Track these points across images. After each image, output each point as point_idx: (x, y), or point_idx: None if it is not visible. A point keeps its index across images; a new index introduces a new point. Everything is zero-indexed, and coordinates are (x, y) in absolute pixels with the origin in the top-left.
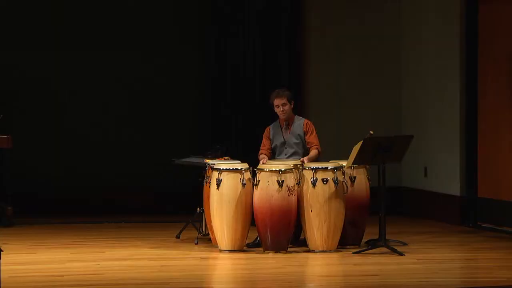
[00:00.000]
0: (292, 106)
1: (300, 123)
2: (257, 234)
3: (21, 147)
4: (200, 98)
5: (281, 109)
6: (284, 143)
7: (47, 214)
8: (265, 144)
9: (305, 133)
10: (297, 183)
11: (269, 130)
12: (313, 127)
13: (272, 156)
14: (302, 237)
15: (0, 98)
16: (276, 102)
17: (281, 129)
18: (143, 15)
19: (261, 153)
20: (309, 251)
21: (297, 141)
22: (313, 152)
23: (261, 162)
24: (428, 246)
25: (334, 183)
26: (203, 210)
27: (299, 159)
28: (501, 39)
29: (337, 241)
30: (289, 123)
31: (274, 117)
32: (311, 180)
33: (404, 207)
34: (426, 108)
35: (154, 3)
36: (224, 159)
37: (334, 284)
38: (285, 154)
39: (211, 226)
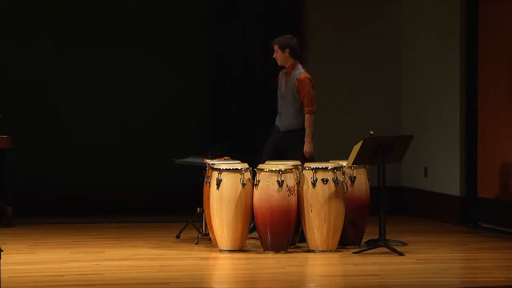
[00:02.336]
0: (287, 54)
1: (296, 75)
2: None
3: (21, 147)
4: (200, 98)
5: (274, 56)
6: (281, 93)
7: (47, 214)
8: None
9: (297, 90)
10: (297, 183)
11: (280, 74)
12: (305, 82)
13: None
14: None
15: (0, 98)
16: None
17: (284, 77)
18: (143, 15)
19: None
20: (309, 251)
21: (290, 96)
22: (306, 119)
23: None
24: (428, 246)
25: (334, 183)
26: (203, 210)
27: (293, 116)
28: (501, 39)
29: (337, 241)
30: (288, 72)
31: (273, 117)
32: (311, 180)
33: (404, 207)
34: (426, 109)
35: (154, 3)
36: (224, 159)
37: (334, 284)
38: (281, 106)
39: (211, 226)
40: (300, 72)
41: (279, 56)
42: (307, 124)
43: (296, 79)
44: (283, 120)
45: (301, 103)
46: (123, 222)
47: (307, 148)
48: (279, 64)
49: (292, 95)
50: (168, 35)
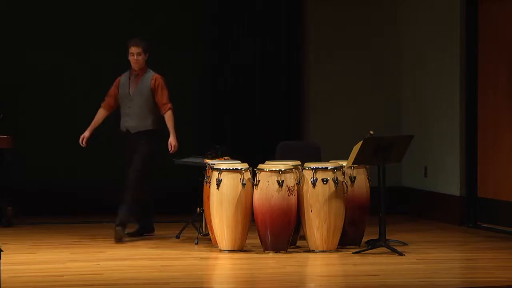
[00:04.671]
0: (146, 58)
1: (149, 77)
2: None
3: (21, 147)
4: (200, 98)
5: (135, 58)
6: (128, 95)
7: (47, 214)
8: (111, 92)
9: (152, 91)
10: (297, 183)
11: (119, 79)
12: (163, 83)
13: (118, 108)
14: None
15: (0, 98)
16: (132, 49)
17: (130, 79)
18: (143, 15)
19: (101, 105)
20: (309, 251)
21: (143, 96)
22: (168, 116)
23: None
24: (428, 246)
25: (334, 183)
26: (203, 210)
27: (144, 117)
28: (501, 40)
29: (337, 241)
30: (138, 74)
31: (273, 117)
32: (311, 180)
33: (404, 207)
34: (426, 108)
35: (154, 3)
36: (224, 159)
37: (334, 284)
38: (129, 107)
39: (211, 226)
40: (153, 73)
41: (141, 59)
42: (171, 120)
43: (152, 79)
44: (134, 121)
45: (154, 103)
46: None
47: (173, 141)
48: (136, 66)
49: (145, 97)
50: (168, 35)
